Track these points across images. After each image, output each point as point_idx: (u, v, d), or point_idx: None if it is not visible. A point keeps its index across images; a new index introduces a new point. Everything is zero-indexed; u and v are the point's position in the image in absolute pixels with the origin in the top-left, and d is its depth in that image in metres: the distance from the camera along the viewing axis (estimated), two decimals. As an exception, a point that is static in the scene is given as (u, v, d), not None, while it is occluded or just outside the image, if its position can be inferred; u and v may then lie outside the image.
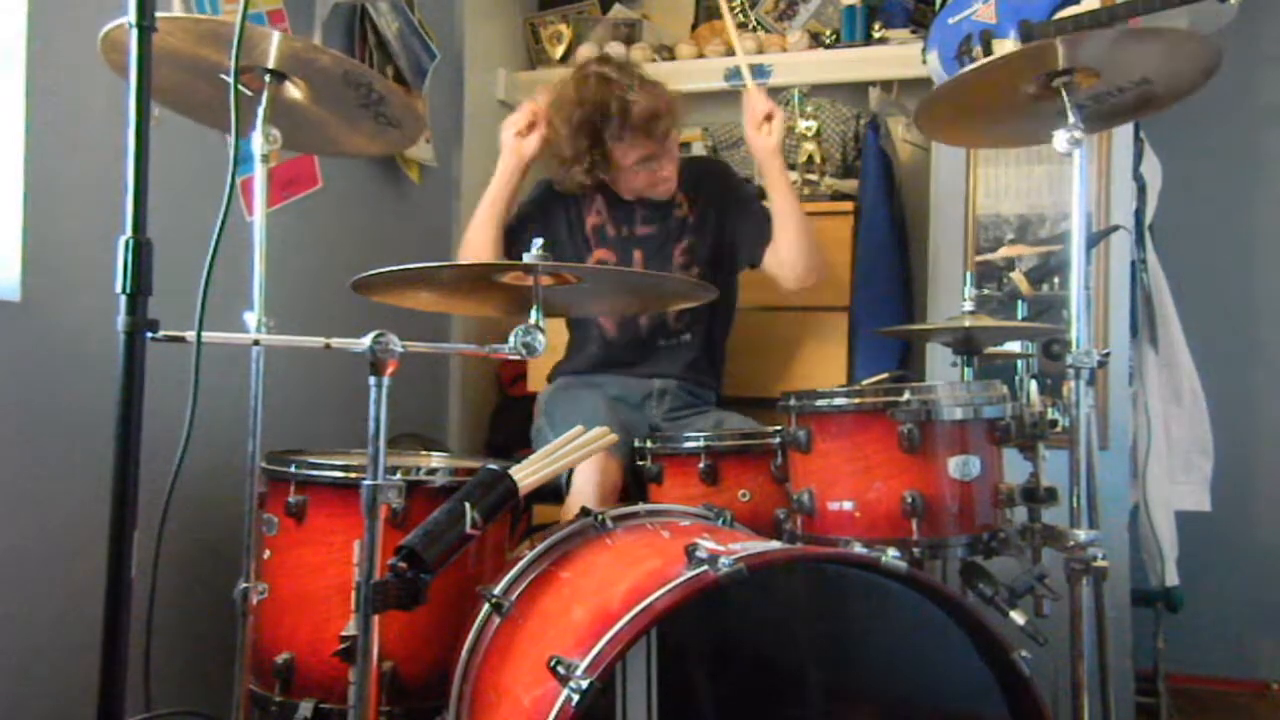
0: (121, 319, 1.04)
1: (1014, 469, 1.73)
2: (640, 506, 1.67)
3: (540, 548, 1.54)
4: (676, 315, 2.37)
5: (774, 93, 3.02)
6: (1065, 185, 2.35)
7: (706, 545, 1.28)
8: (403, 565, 1.27)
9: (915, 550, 1.62)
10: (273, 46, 1.53)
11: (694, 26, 3.29)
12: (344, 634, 1.23)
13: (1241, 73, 2.92)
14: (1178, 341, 2.52)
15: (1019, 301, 2.44)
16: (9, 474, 1.76)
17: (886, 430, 1.65)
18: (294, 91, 1.63)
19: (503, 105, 3.23)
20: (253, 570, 1.56)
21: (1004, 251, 2.46)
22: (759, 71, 3.02)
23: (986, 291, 2.46)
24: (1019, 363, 2.24)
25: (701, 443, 1.97)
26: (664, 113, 2.21)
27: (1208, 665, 2.88)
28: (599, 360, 2.39)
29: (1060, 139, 1.59)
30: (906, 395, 1.65)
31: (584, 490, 2.00)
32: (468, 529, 1.35)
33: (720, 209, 2.42)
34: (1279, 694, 2.87)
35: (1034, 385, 1.75)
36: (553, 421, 2.26)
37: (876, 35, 2.94)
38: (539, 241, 1.36)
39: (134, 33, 1.05)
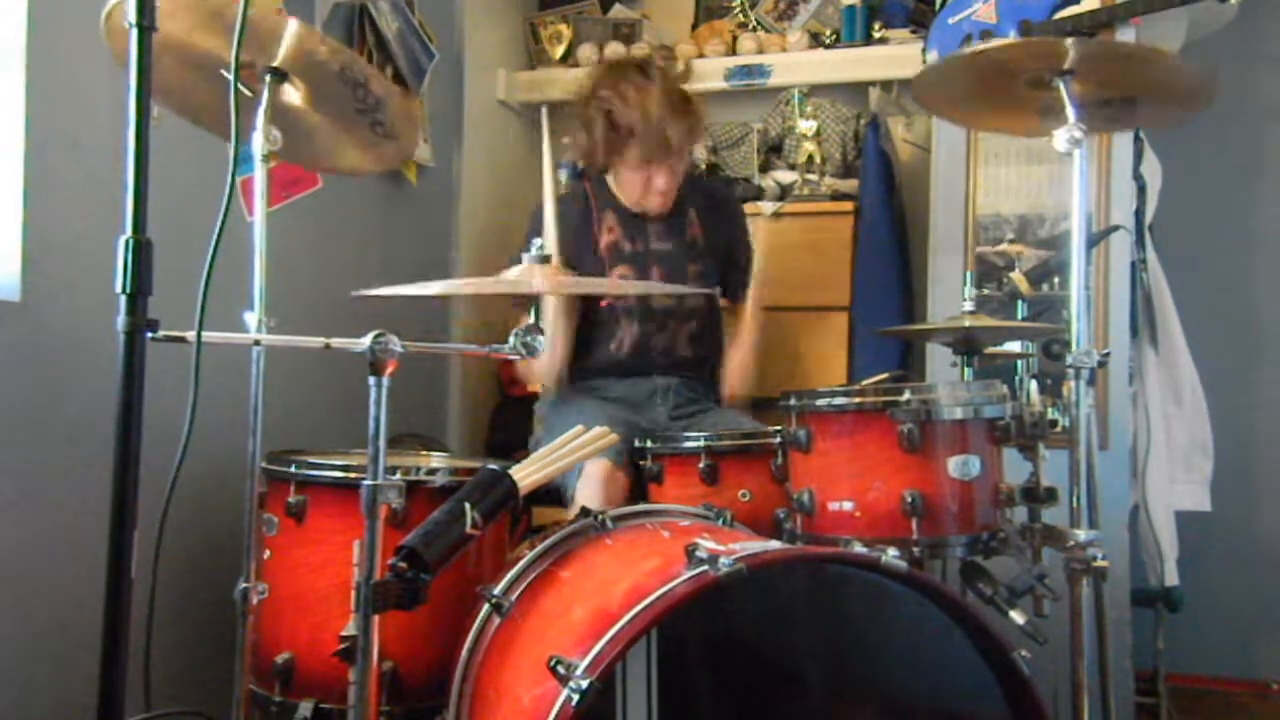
0: (121, 319, 1.04)
1: (1014, 469, 1.73)
2: (640, 506, 1.67)
3: (540, 548, 1.54)
4: (678, 322, 2.39)
5: (774, 93, 3.04)
6: (1065, 185, 2.34)
7: (706, 545, 1.28)
8: (403, 565, 1.27)
9: (915, 550, 1.62)
10: (274, 35, 1.52)
11: (694, 26, 3.29)
12: (344, 634, 1.23)
13: (1241, 73, 2.92)
14: (1178, 341, 2.52)
15: (1019, 301, 2.44)
16: (9, 473, 1.76)
17: (886, 430, 1.65)
18: (292, 94, 1.63)
19: (502, 105, 3.24)
20: (253, 570, 1.56)
21: (1004, 248, 2.46)
22: (759, 71, 3.02)
23: (986, 291, 2.46)
24: (1019, 363, 2.25)
25: (701, 442, 1.97)
26: (674, 140, 2.25)
27: (1208, 665, 2.88)
28: (599, 366, 2.39)
29: (1060, 139, 1.59)
30: (906, 395, 1.65)
31: (589, 501, 1.99)
32: (468, 529, 1.35)
33: (726, 241, 2.47)
34: (1279, 694, 2.87)
35: (1034, 385, 1.75)
36: (552, 431, 2.24)
37: (876, 35, 2.94)
38: (538, 241, 1.36)
39: (134, 33, 1.05)
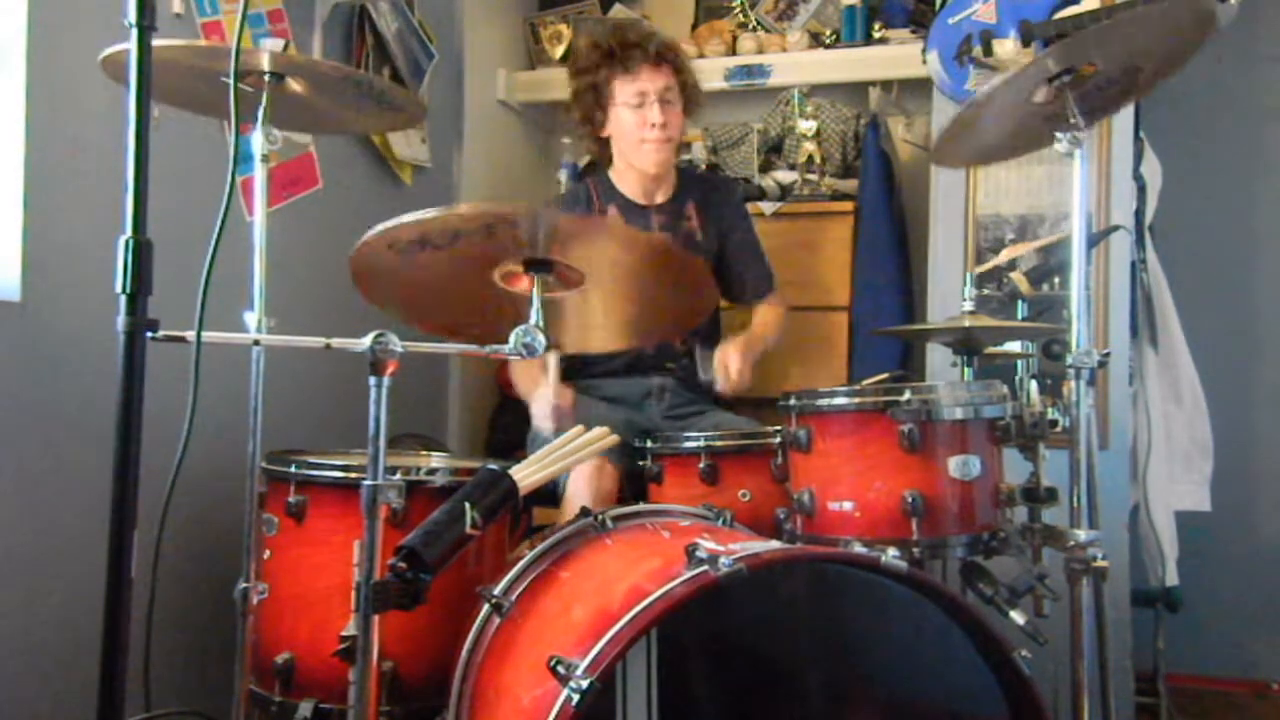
0: (121, 319, 1.04)
1: (1014, 469, 1.73)
2: (640, 506, 1.67)
3: (540, 548, 1.54)
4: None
5: (774, 93, 3.04)
6: (1065, 185, 2.35)
7: (706, 545, 1.28)
8: (403, 565, 1.26)
9: (915, 550, 1.62)
10: (266, 61, 1.55)
11: (694, 26, 3.29)
12: (344, 634, 1.23)
13: (1241, 73, 2.92)
14: (1178, 341, 2.52)
15: (1019, 301, 2.44)
16: (9, 474, 1.76)
17: (886, 430, 1.65)
18: (294, 86, 1.63)
19: (502, 105, 3.24)
20: (253, 570, 1.56)
21: (1005, 254, 2.46)
22: (759, 71, 3.02)
23: (986, 291, 2.46)
24: (1019, 363, 2.24)
25: (702, 443, 1.97)
26: (667, 45, 2.33)
27: (1208, 665, 2.87)
28: (594, 369, 2.39)
29: (1060, 139, 1.59)
30: (906, 395, 1.65)
31: (579, 496, 1.99)
32: (468, 529, 1.35)
33: (724, 233, 2.46)
34: (1279, 694, 2.87)
35: (1034, 385, 1.74)
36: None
37: (876, 35, 2.95)
38: None
39: (134, 32, 1.05)
